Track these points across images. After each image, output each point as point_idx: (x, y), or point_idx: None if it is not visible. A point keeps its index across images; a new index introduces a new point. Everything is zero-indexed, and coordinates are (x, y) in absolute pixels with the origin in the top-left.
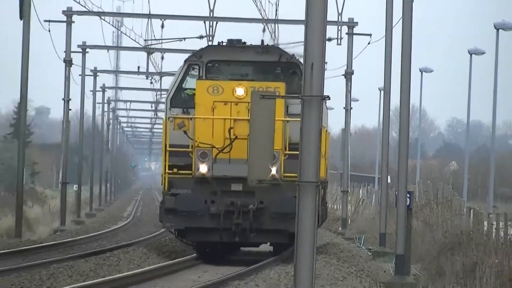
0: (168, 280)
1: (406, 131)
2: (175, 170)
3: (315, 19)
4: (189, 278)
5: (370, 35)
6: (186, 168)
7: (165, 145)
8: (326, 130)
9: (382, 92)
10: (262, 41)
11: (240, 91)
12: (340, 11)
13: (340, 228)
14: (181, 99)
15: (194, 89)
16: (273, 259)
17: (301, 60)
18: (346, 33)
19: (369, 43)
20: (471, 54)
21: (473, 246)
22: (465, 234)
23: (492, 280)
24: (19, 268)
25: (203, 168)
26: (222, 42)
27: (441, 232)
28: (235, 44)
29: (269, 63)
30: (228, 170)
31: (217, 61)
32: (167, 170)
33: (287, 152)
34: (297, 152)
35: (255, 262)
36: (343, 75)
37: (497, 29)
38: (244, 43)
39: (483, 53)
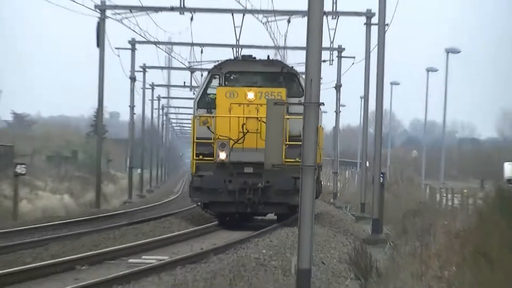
0: (200, 240)
1: (380, 128)
2: (201, 157)
3: (313, 46)
4: (220, 235)
5: (354, 57)
6: (209, 155)
7: (193, 138)
8: (321, 128)
9: (363, 99)
10: (268, 56)
11: (251, 95)
12: (332, 40)
13: (331, 200)
14: (205, 102)
15: (215, 94)
16: (279, 225)
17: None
18: (336, 56)
19: (353, 63)
20: (428, 71)
21: (429, 212)
22: (423, 203)
23: (442, 237)
24: (99, 229)
25: (223, 155)
26: (237, 57)
27: (405, 202)
28: (247, 59)
29: (273, 73)
30: (241, 156)
31: (233, 72)
32: (194, 157)
33: (288, 142)
34: (295, 143)
35: (263, 227)
36: (334, 87)
37: (447, 52)
38: (254, 58)
39: (437, 70)
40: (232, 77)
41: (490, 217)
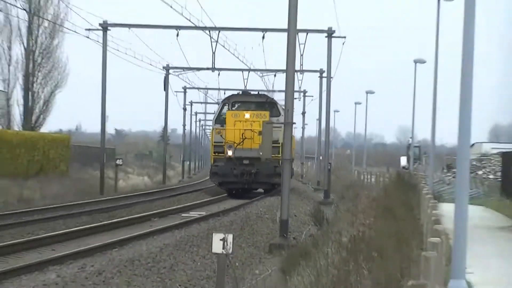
0: (221, 204)
1: (327, 137)
2: (216, 154)
3: (289, 91)
4: (230, 202)
5: (312, 96)
6: (221, 153)
7: (212, 142)
8: (293, 136)
9: (317, 121)
10: (258, 91)
11: (247, 116)
12: (300, 85)
13: (300, 179)
14: (220, 120)
15: (225, 115)
16: (266, 195)
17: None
18: (303, 96)
19: (312, 100)
20: (367, 93)
21: (356, 186)
22: (353, 181)
23: (364, 200)
24: (165, 197)
25: (230, 153)
26: (239, 92)
27: (343, 180)
28: (245, 93)
29: (261, 102)
30: (241, 153)
31: (236, 101)
32: (212, 154)
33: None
34: (275, 145)
35: (256, 197)
36: (301, 113)
37: (415, 63)
38: (249, 92)
39: (373, 93)
40: (235, 105)
41: (392, 188)
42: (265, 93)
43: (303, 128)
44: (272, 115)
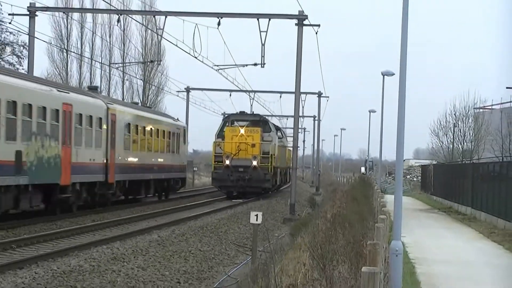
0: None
1: (318, 156)
2: (216, 163)
3: (296, 122)
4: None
5: (304, 128)
6: (221, 162)
7: (213, 153)
8: (290, 151)
9: (312, 146)
10: (253, 111)
11: (242, 131)
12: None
13: (301, 179)
14: (220, 135)
15: (225, 131)
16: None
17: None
18: (303, 131)
19: (308, 133)
20: (341, 130)
21: (335, 184)
22: (333, 181)
23: (339, 192)
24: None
25: (227, 162)
26: (238, 112)
27: (327, 181)
28: (242, 113)
29: (255, 120)
30: (237, 162)
31: (235, 119)
32: (213, 163)
33: (261, 155)
34: (266, 156)
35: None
36: (302, 141)
37: (383, 75)
38: (245, 112)
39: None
40: (234, 122)
41: (356, 185)
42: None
43: (304, 149)
44: (264, 131)
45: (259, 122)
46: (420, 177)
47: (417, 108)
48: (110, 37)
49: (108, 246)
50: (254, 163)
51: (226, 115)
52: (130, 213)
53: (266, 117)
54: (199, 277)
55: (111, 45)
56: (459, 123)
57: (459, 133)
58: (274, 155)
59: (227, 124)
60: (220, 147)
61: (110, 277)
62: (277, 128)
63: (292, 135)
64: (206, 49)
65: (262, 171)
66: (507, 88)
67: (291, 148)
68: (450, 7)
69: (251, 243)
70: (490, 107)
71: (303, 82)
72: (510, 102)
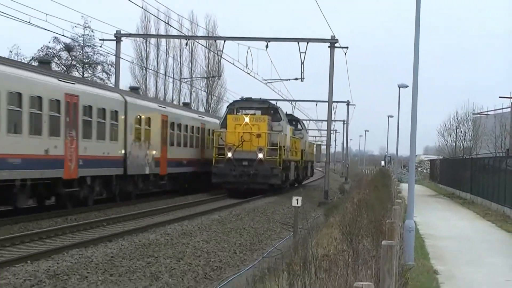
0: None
1: (346, 151)
2: (217, 155)
3: (328, 130)
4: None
5: (336, 130)
6: (222, 154)
7: (214, 145)
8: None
9: (343, 144)
10: (261, 97)
11: (246, 119)
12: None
13: (333, 171)
14: (224, 124)
15: (227, 119)
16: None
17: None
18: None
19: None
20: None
21: (360, 175)
22: (359, 173)
23: (364, 181)
24: None
25: (230, 154)
26: (243, 97)
27: (355, 172)
28: (248, 99)
29: (263, 108)
30: (240, 155)
31: (240, 107)
32: (214, 156)
33: (269, 147)
34: (274, 147)
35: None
36: (334, 140)
37: (399, 88)
38: (252, 98)
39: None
40: (240, 110)
41: (377, 176)
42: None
43: (335, 146)
44: (273, 120)
45: (267, 109)
46: (429, 169)
47: (426, 112)
48: (180, 57)
49: (179, 224)
50: (260, 155)
51: (231, 102)
52: (192, 199)
53: (277, 105)
54: (251, 248)
55: (181, 64)
56: (461, 125)
57: (461, 134)
58: (284, 146)
59: (231, 112)
60: (222, 138)
61: (181, 248)
62: (296, 120)
63: (325, 134)
64: (257, 66)
65: (269, 165)
66: (499, 97)
67: (316, 143)
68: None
69: (293, 222)
70: (486, 113)
71: (334, 92)
72: (502, 109)
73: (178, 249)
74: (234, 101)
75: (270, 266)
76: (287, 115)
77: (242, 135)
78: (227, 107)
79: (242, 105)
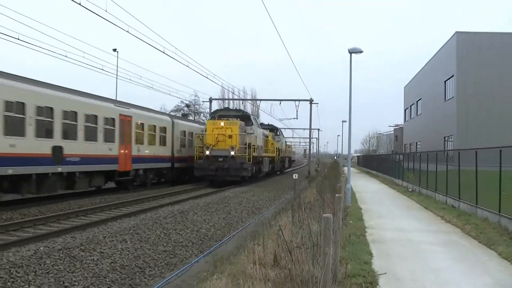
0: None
1: (313, 152)
2: (198, 153)
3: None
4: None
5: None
6: (202, 152)
7: (196, 145)
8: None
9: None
10: (236, 107)
11: (221, 124)
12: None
13: (316, 166)
14: (205, 129)
15: (207, 124)
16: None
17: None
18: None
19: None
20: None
21: (326, 165)
22: (326, 163)
23: (328, 168)
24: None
25: (207, 152)
26: (223, 107)
27: (323, 163)
28: (227, 108)
29: (237, 115)
30: (216, 152)
31: (220, 115)
32: (196, 154)
33: (241, 146)
34: (245, 146)
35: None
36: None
37: (350, 53)
38: (229, 108)
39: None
40: (221, 118)
41: (333, 163)
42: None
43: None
44: (247, 125)
45: (241, 116)
46: (357, 160)
47: (354, 131)
48: (243, 109)
49: (231, 191)
50: (232, 153)
51: (213, 111)
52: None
53: (249, 113)
54: (274, 199)
55: None
56: (371, 139)
57: (370, 143)
58: (255, 145)
59: (212, 119)
60: (201, 139)
61: (240, 200)
62: (276, 128)
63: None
64: (274, 111)
65: (240, 160)
66: (389, 126)
67: (291, 145)
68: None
69: (293, 186)
70: (384, 133)
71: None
72: (389, 132)
73: (239, 200)
74: (216, 110)
75: (282, 207)
76: (269, 125)
77: (217, 136)
78: (209, 114)
79: (221, 112)
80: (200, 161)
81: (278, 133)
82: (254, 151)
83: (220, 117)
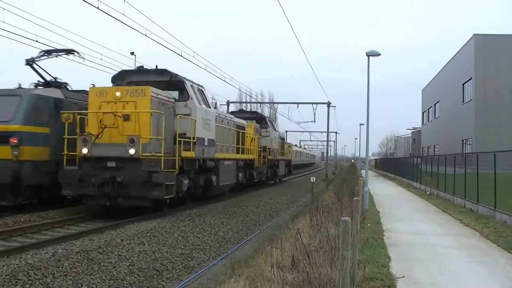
0: (307, 168)
1: (329, 155)
2: (68, 151)
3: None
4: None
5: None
6: (75, 151)
7: (66, 134)
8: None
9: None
10: (157, 66)
11: (118, 94)
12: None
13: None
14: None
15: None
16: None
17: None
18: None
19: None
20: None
21: (343, 167)
22: (343, 166)
23: (345, 171)
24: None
25: (85, 150)
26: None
27: (341, 165)
28: (141, 69)
29: (163, 81)
30: (101, 151)
31: (131, 81)
32: (65, 152)
33: (152, 137)
34: (185, 139)
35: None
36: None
37: (368, 56)
38: (143, 67)
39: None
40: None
41: (350, 166)
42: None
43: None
44: (182, 98)
45: (170, 83)
46: (374, 163)
47: (372, 135)
48: (261, 112)
49: (248, 194)
50: (131, 151)
51: (117, 72)
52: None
53: (188, 80)
54: (292, 202)
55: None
56: (389, 142)
57: (388, 146)
58: (194, 137)
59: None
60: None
61: (257, 202)
62: (262, 117)
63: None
64: (291, 114)
65: (146, 166)
66: (407, 129)
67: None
68: None
69: (311, 188)
70: (402, 136)
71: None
72: (407, 135)
73: (256, 203)
74: (121, 71)
75: (300, 210)
76: (252, 112)
77: (102, 118)
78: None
79: (132, 78)
80: (71, 169)
81: (268, 124)
82: (196, 149)
83: (129, 84)
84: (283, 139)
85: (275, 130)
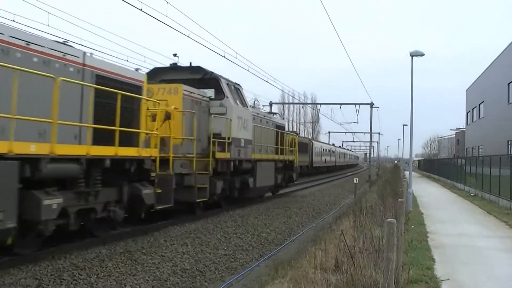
0: (350, 168)
1: (375, 156)
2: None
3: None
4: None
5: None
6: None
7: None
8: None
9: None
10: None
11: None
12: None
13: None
14: None
15: None
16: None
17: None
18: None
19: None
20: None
21: (386, 168)
22: (386, 167)
23: (388, 172)
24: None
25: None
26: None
27: (383, 166)
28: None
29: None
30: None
31: (164, 79)
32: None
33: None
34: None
35: None
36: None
37: (412, 56)
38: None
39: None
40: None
41: (393, 168)
42: None
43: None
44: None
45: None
46: (417, 164)
47: (415, 135)
48: (299, 113)
49: (290, 196)
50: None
51: (151, 69)
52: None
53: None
54: (334, 203)
55: (299, 116)
56: (432, 144)
57: (431, 147)
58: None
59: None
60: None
61: (301, 204)
62: (205, 77)
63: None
64: (334, 115)
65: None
66: (450, 129)
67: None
68: None
69: (354, 190)
70: (445, 137)
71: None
72: (451, 135)
73: (299, 204)
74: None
75: (343, 211)
76: (191, 67)
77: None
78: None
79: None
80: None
81: (222, 94)
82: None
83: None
84: (279, 127)
85: (246, 106)
